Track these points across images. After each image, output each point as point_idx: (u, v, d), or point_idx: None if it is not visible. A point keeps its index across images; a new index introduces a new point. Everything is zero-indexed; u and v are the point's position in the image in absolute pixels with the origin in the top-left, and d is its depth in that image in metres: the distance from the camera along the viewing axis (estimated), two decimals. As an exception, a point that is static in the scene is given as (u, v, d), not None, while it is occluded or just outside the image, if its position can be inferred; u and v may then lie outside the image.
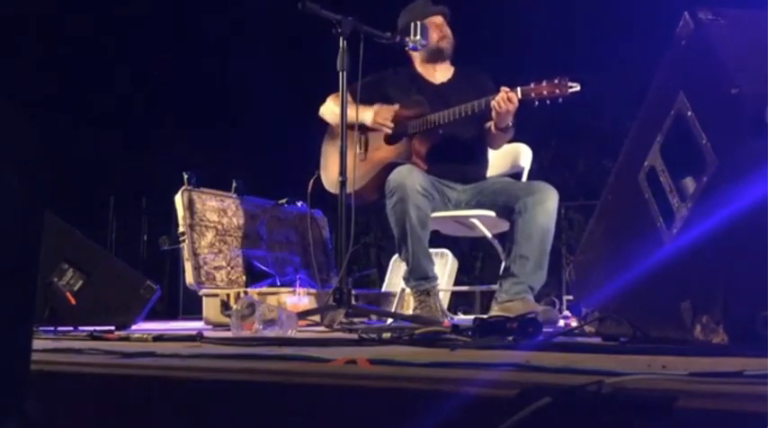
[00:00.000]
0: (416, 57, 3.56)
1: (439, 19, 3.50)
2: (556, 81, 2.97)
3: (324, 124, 3.58)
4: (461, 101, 3.18)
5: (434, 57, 3.52)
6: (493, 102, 3.06)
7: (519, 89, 3.05)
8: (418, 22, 3.24)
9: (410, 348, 1.82)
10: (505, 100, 3.03)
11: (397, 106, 3.36)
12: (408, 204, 3.05)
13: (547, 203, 3.10)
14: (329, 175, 3.46)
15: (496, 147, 3.46)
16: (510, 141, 3.57)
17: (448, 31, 3.52)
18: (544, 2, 6.62)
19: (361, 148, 3.43)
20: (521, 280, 3.07)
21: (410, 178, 3.09)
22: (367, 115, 3.32)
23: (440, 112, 3.22)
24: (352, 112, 2.98)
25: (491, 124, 3.24)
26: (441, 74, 3.56)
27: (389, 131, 3.34)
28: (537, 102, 3.03)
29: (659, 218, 1.67)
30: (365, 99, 3.26)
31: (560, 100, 2.99)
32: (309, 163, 3.67)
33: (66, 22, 6.54)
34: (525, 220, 3.09)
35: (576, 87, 2.96)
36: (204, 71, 7.34)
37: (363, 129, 3.38)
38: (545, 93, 2.99)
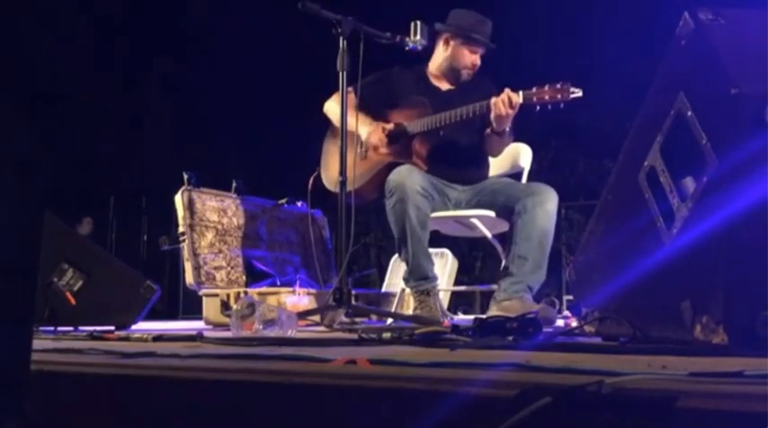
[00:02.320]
0: (435, 58, 3.51)
1: (482, 50, 3.43)
2: (558, 86, 2.97)
3: (326, 122, 3.57)
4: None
5: (448, 75, 3.49)
6: (493, 102, 3.06)
7: (521, 92, 3.04)
8: (418, 22, 3.23)
9: (410, 348, 1.82)
10: (506, 101, 3.02)
11: (391, 125, 3.35)
12: (408, 204, 3.06)
13: (546, 205, 3.11)
14: (330, 173, 3.46)
15: (495, 153, 3.44)
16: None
17: (478, 65, 3.46)
18: (545, 3, 6.63)
19: (361, 147, 3.43)
20: (518, 280, 3.07)
21: (410, 178, 3.09)
22: (362, 130, 3.31)
23: (441, 114, 3.22)
24: (351, 120, 2.99)
25: (489, 129, 3.23)
26: (449, 83, 3.54)
27: (383, 152, 3.34)
28: (539, 107, 3.02)
29: (659, 218, 1.68)
30: (370, 97, 3.26)
31: (562, 105, 2.98)
32: (309, 162, 3.67)
33: (65, 23, 6.54)
34: (525, 222, 3.10)
35: (579, 93, 2.96)
36: (204, 71, 7.34)
37: None
38: (547, 97, 2.99)
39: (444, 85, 3.53)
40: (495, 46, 3.44)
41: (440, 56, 3.49)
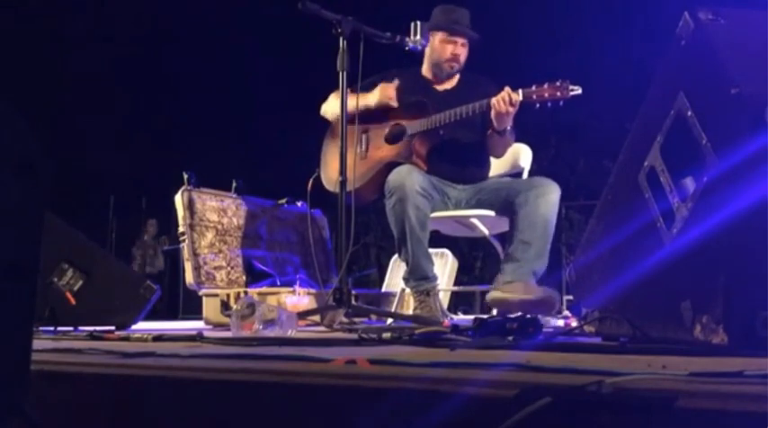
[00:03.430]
0: (425, 59, 3.52)
1: (461, 39, 3.43)
2: (557, 83, 2.97)
3: (325, 123, 3.58)
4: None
5: (434, 71, 3.49)
6: (493, 100, 3.06)
7: (520, 91, 3.04)
8: (418, 22, 3.23)
9: (410, 348, 1.82)
10: (506, 100, 3.03)
11: (396, 82, 3.35)
12: (407, 205, 3.05)
13: (549, 196, 3.09)
14: (329, 174, 3.46)
15: (499, 153, 3.43)
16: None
17: (463, 55, 3.44)
18: (545, 3, 6.63)
19: (361, 147, 3.43)
20: (522, 264, 3.04)
21: (409, 179, 3.08)
22: (371, 97, 3.32)
23: (441, 113, 3.22)
24: (353, 102, 2.98)
25: (491, 129, 3.23)
26: (447, 82, 3.55)
27: (395, 105, 3.33)
28: (538, 105, 3.02)
29: (659, 219, 1.67)
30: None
31: (561, 103, 2.98)
32: (309, 163, 3.67)
33: (66, 23, 6.53)
34: (527, 211, 3.07)
35: (578, 90, 2.96)
36: (204, 71, 7.34)
37: (365, 126, 3.38)
38: (546, 95, 2.99)
39: (440, 86, 3.53)
40: (476, 34, 3.44)
41: (427, 54, 3.50)
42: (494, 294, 3.03)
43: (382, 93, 3.34)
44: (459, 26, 3.41)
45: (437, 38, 3.43)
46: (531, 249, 3.05)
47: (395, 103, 3.34)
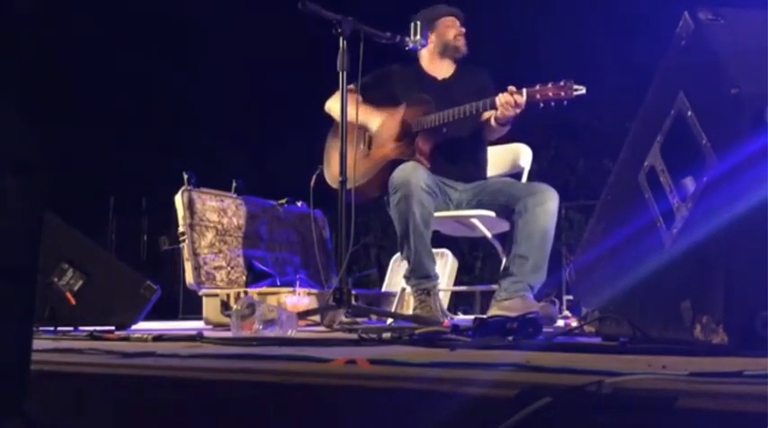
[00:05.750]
0: (427, 53, 3.54)
1: (453, 20, 3.53)
2: (561, 83, 2.96)
3: (326, 121, 3.58)
4: (465, 96, 3.18)
5: (450, 52, 3.53)
6: (498, 103, 3.06)
7: (524, 90, 3.03)
8: (418, 22, 3.23)
9: (410, 348, 1.82)
10: (512, 103, 3.03)
11: (402, 110, 3.35)
12: (412, 201, 3.05)
13: (547, 204, 3.10)
14: (332, 171, 3.46)
15: (492, 137, 3.45)
16: (510, 141, 3.57)
17: (463, 32, 3.53)
18: (546, 2, 6.63)
19: (364, 145, 3.43)
20: (519, 279, 3.07)
21: (415, 175, 3.08)
22: (373, 122, 3.33)
23: (445, 111, 3.21)
24: (354, 113, 3.00)
25: (490, 115, 3.22)
26: (446, 70, 3.56)
27: (390, 147, 3.35)
28: (542, 104, 3.02)
29: (659, 218, 1.67)
30: (370, 95, 3.26)
31: (565, 102, 2.98)
32: (309, 163, 3.68)
33: (66, 22, 6.53)
34: (526, 221, 3.09)
35: (582, 90, 2.95)
36: (204, 71, 7.34)
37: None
38: (550, 94, 2.98)
39: (440, 74, 3.55)
40: (461, 12, 3.57)
41: (432, 44, 3.50)
42: (493, 311, 3.05)
43: (383, 129, 3.36)
44: (442, 10, 3.55)
45: (441, 23, 3.51)
46: (528, 264, 3.07)
47: (390, 145, 3.35)
